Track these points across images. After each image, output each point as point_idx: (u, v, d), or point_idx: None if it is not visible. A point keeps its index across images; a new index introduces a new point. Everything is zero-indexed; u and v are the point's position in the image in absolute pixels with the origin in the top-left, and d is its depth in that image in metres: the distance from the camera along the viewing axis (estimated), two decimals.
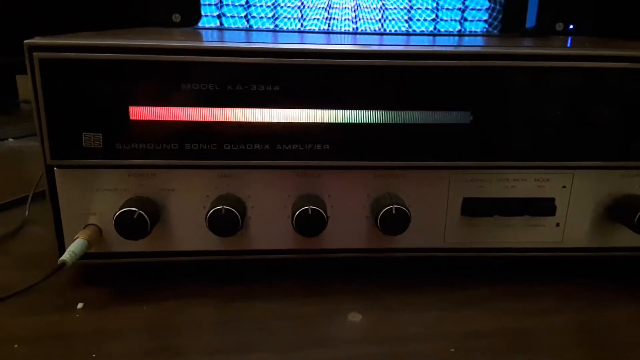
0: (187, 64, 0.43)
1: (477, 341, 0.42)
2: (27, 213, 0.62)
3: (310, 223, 0.45)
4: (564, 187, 0.50)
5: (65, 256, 0.43)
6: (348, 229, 0.49)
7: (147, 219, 0.44)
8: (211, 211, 0.45)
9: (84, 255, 0.46)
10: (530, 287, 0.50)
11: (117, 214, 0.44)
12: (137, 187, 0.47)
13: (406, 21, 0.72)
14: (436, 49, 0.47)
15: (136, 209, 0.44)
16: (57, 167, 0.46)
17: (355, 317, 0.45)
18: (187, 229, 0.48)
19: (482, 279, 0.50)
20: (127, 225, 0.44)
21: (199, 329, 0.43)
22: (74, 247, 0.44)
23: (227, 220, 0.45)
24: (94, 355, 0.39)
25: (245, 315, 0.45)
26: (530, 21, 0.78)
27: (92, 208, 0.47)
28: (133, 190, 0.47)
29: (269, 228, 0.49)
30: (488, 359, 0.40)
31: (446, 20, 0.74)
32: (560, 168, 0.49)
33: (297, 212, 0.45)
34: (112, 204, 0.46)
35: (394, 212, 0.46)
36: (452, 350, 0.41)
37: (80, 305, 0.45)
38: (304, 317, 0.45)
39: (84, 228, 0.47)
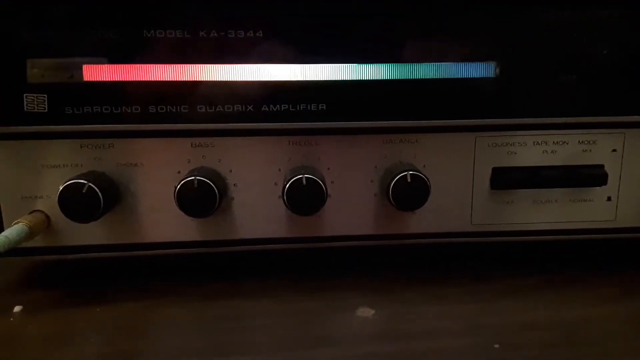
0: (150, 2, 0.35)
1: (526, 335, 0.33)
2: None
3: (305, 196, 0.36)
4: (614, 150, 0.41)
5: None
6: (353, 210, 0.40)
7: (100, 194, 0.35)
8: (181, 184, 0.36)
9: (29, 251, 0.38)
10: (581, 274, 0.41)
11: (61, 187, 0.35)
12: (91, 161, 0.38)
13: None
14: None
15: (85, 181, 0.35)
16: None
17: (365, 312, 0.35)
18: (155, 215, 0.39)
19: (521, 267, 0.42)
20: (74, 202, 0.35)
21: (169, 331, 0.34)
22: (9, 232, 0.35)
23: (200, 194, 0.36)
24: None
25: (228, 314, 0.36)
26: None
27: (37, 190, 0.38)
28: (87, 165, 0.38)
29: (257, 211, 0.40)
30: (542, 354, 0.31)
31: None
32: (608, 126, 0.40)
33: (289, 183, 0.36)
34: (61, 185, 0.37)
35: (409, 179, 0.37)
36: (497, 346, 0.31)
37: (17, 309, 0.36)
38: (301, 313, 0.36)
39: (29, 214, 0.38)
